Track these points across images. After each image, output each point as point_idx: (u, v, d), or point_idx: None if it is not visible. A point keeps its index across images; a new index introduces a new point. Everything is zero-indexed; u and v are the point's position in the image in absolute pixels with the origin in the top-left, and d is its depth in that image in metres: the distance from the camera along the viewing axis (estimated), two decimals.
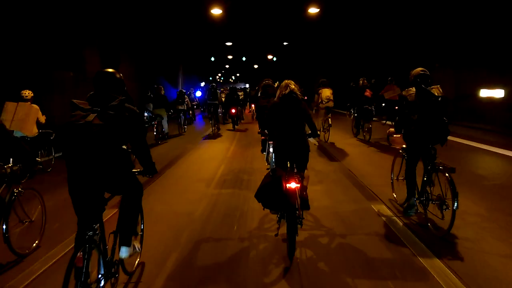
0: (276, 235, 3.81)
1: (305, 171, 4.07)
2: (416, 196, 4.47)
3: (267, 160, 6.28)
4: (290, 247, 3.48)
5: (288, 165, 3.96)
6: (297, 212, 3.65)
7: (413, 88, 4.37)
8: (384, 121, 13.91)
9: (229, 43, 23.86)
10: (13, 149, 3.31)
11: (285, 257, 3.57)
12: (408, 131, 4.47)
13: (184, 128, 14.15)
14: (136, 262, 3.35)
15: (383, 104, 13.43)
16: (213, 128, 13.43)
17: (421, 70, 4.32)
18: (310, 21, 18.83)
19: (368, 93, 10.47)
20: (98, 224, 2.60)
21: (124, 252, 2.75)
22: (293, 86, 4.15)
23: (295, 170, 3.93)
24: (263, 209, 3.99)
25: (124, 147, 2.80)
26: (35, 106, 6.43)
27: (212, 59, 28.68)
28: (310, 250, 3.77)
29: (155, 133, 11.19)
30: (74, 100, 2.55)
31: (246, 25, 20.67)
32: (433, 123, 4.21)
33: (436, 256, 3.54)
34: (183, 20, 19.90)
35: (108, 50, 14.65)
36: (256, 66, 47.04)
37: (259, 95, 7.28)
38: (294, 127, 4.03)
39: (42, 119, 6.62)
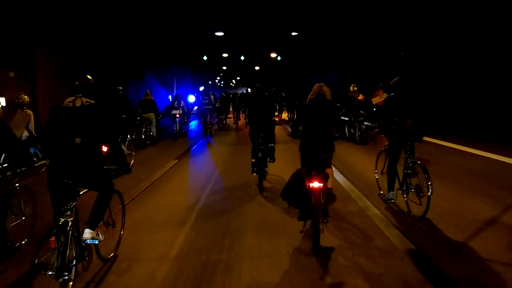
0: (301, 231, 4.36)
1: (329, 179, 4.38)
2: (398, 186, 5.22)
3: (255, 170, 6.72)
4: (315, 243, 3.93)
5: (312, 164, 4.30)
6: (322, 208, 4.07)
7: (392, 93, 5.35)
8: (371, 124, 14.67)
9: (220, 33, 20.23)
10: (12, 146, 3.97)
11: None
12: (390, 131, 5.27)
13: (181, 130, 14.76)
14: (112, 253, 3.96)
15: (374, 109, 13.86)
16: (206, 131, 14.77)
17: (399, 78, 5.35)
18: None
19: (361, 97, 11.39)
20: (69, 212, 3.19)
21: (86, 234, 3.35)
22: (324, 90, 4.66)
23: (319, 170, 4.23)
24: (288, 207, 4.50)
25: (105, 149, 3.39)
26: (28, 111, 7.44)
27: (205, 58, 28.26)
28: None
29: (143, 137, 11.84)
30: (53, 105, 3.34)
31: (243, 12, 17.11)
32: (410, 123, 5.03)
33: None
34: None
35: (9, 35, 10.19)
36: (257, 68, 47.00)
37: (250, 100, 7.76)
38: (320, 128, 4.51)
39: (32, 126, 7.30)
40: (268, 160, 6.94)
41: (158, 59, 24.42)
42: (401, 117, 5.06)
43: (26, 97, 7.43)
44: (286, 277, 3.52)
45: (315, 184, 3.98)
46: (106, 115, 3.38)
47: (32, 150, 7.65)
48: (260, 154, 6.56)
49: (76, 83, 3.39)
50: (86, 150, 3.23)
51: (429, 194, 4.52)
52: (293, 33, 22.05)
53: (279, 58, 31.31)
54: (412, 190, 4.88)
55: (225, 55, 28.13)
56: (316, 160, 4.33)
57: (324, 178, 4.14)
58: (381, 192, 5.81)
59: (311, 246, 4.02)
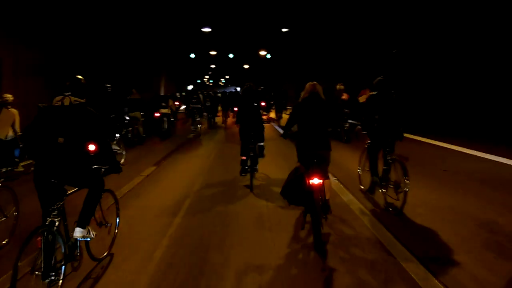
0: (302, 228, 4.51)
1: (327, 191, 4.55)
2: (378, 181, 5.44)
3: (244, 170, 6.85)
4: (316, 238, 4.03)
5: (311, 162, 4.40)
6: (321, 204, 4.22)
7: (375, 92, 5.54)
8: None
9: (207, 29, 20.02)
10: None
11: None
12: (371, 128, 5.50)
13: (170, 129, 14.81)
14: (106, 252, 3.94)
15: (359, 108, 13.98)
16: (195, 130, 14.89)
17: (381, 77, 5.52)
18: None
19: (345, 96, 11.54)
20: (57, 212, 3.19)
21: (76, 232, 3.33)
22: (317, 88, 4.76)
23: (318, 167, 4.35)
24: (289, 205, 4.64)
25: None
26: (13, 110, 7.24)
27: (192, 55, 28.08)
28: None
29: (129, 136, 11.80)
30: (40, 104, 3.36)
31: (232, 9, 17.10)
32: (391, 121, 5.26)
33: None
34: None
35: None
36: (246, 66, 46.87)
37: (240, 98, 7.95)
38: (317, 127, 4.62)
39: (17, 125, 7.20)
40: (258, 157, 7.03)
41: (148, 60, 24.27)
42: (382, 115, 5.28)
43: (10, 96, 7.35)
44: (287, 271, 3.64)
45: (315, 181, 4.11)
46: (94, 114, 3.40)
47: (17, 152, 7.66)
48: (251, 153, 6.72)
49: (67, 83, 3.46)
50: (70, 149, 3.25)
51: (406, 190, 4.74)
52: (283, 30, 22.00)
53: (268, 56, 31.09)
54: (391, 185, 5.11)
55: (213, 53, 28.19)
56: (315, 157, 4.43)
57: (323, 175, 4.28)
58: (362, 187, 6.04)
59: (312, 241, 4.13)
